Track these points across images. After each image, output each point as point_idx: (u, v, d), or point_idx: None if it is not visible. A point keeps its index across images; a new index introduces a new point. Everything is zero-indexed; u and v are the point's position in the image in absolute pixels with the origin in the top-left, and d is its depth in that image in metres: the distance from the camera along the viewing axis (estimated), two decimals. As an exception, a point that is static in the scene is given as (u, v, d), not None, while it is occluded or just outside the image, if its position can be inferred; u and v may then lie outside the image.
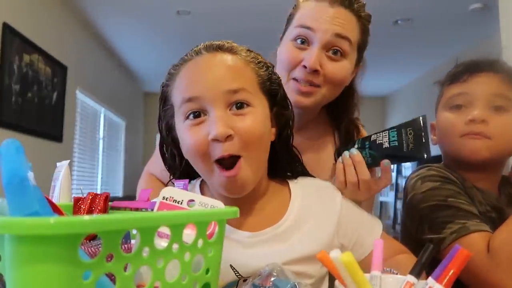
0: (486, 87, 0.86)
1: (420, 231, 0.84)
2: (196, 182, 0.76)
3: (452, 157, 0.90)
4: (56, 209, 0.47)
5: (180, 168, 0.74)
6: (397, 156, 0.71)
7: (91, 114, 4.47)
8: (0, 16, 2.64)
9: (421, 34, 3.96)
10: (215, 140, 0.61)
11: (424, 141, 0.69)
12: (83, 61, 4.04)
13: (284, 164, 0.76)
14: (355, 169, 0.74)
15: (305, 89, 0.84)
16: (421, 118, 0.70)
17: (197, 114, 0.63)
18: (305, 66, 0.83)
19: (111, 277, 0.39)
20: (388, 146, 0.71)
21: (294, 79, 0.85)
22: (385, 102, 6.42)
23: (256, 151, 0.64)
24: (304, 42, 0.85)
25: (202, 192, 0.75)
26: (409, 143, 0.69)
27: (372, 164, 0.73)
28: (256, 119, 0.64)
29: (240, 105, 0.63)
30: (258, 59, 0.70)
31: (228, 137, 0.61)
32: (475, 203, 0.83)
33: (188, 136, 0.64)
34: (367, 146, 0.75)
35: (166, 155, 0.76)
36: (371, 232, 0.74)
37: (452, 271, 0.43)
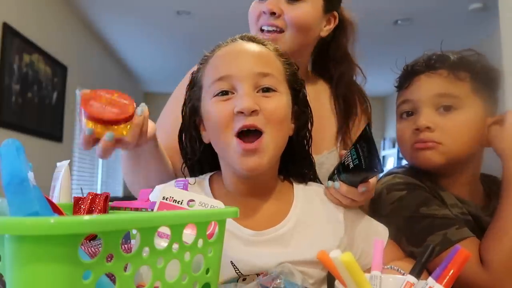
0: (427, 89, 0.82)
1: (397, 241, 0.78)
2: (206, 177, 0.76)
3: (413, 166, 0.87)
4: (56, 209, 0.47)
5: (200, 149, 0.74)
6: (362, 174, 0.67)
7: (91, 114, 4.46)
8: (0, 16, 2.64)
9: (421, 34, 3.95)
10: (241, 112, 0.63)
11: (374, 152, 0.65)
12: (83, 61, 4.04)
13: (298, 166, 0.76)
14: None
15: (268, 34, 0.87)
16: (366, 127, 0.67)
17: (226, 92, 0.66)
18: (265, 13, 0.87)
19: (111, 277, 0.39)
20: (353, 165, 0.68)
21: (260, 29, 0.89)
22: (385, 102, 6.42)
23: (278, 131, 0.67)
24: None
25: (211, 187, 0.74)
26: (365, 158, 0.66)
27: (353, 185, 0.69)
28: (281, 103, 0.67)
29: (266, 89, 0.66)
30: (286, 56, 0.74)
31: (254, 112, 0.64)
32: (448, 206, 0.80)
33: (214, 108, 0.67)
34: (341, 170, 0.71)
35: (184, 141, 0.76)
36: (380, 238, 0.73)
37: (452, 271, 0.43)
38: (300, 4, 0.87)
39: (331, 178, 0.74)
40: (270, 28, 0.87)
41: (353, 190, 0.69)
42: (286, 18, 0.86)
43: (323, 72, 1.01)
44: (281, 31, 0.87)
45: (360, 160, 0.66)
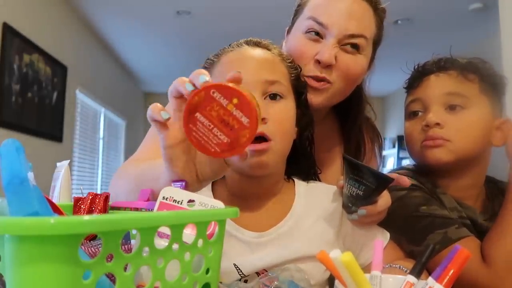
0: (436, 88, 0.83)
1: (397, 240, 0.78)
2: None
3: (419, 165, 0.88)
4: (56, 209, 0.47)
5: None
6: (377, 191, 0.66)
7: (91, 114, 4.46)
8: (0, 16, 2.64)
9: (421, 34, 3.96)
10: None
11: (370, 170, 0.65)
12: (83, 61, 4.04)
13: (301, 166, 0.77)
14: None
15: (316, 84, 0.79)
16: (344, 156, 0.68)
17: None
18: (318, 61, 0.79)
19: (111, 277, 0.39)
20: (362, 191, 0.66)
21: (307, 76, 0.80)
22: (384, 102, 6.42)
23: (284, 139, 0.67)
24: (317, 35, 0.80)
25: (214, 190, 0.75)
26: (368, 181, 0.65)
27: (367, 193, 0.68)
28: (287, 110, 0.68)
29: (273, 95, 0.67)
30: (290, 59, 0.74)
31: (263, 120, 0.64)
32: (447, 210, 0.81)
33: None
34: (353, 201, 0.69)
35: None
36: (379, 236, 0.74)
37: (452, 271, 0.43)
38: (358, 56, 0.81)
39: (348, 212, 0.72)
40: (319, 80, 0.80)
41: (372, 212, 0.67)
42: (339, 68, 0.79)
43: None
44: (329, 82, 0.80)
45: (365, 184, 0.66)
